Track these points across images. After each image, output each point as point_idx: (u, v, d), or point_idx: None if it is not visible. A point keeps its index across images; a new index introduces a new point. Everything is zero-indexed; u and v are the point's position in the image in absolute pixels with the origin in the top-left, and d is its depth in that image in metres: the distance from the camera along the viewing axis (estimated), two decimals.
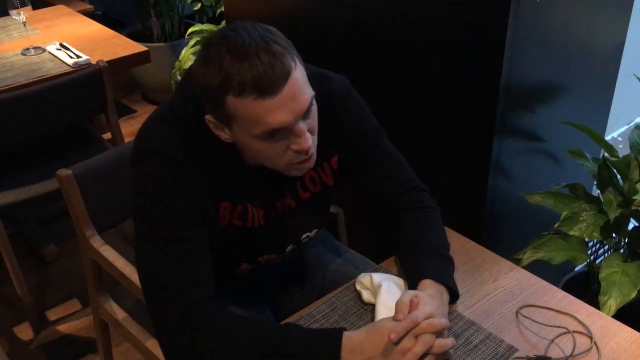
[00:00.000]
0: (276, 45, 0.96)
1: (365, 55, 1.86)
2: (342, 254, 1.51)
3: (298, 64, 0.99)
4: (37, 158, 2.23)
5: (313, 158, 1.09)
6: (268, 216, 1.21)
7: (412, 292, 1.08)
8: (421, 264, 1.16)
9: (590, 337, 1.11)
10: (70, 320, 2.26)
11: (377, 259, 1.36)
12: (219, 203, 1.13)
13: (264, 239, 1.24)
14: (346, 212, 1.66)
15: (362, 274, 1.23)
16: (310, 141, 1.03)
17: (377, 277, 1.20)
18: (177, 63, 2.95)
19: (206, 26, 2.98)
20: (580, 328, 1.13)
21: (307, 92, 1.01)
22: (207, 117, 1.04)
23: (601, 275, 1.53)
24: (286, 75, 0.96)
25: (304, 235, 1.31)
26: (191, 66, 1.06)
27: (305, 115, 1.02)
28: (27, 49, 2.36)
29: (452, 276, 1.18)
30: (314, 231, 1.33)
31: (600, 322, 1.15)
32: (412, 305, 1.04)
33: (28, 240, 2.62)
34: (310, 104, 1.02)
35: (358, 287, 1.22)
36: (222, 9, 3.09)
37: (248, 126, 1.00)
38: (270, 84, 0.95)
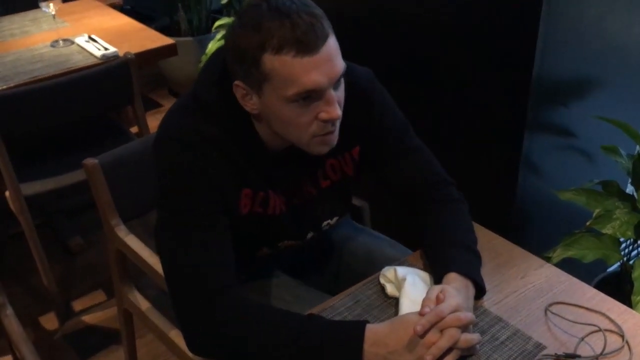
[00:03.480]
0: (316, 9, 0.99)
1: (393, 48, 1.84)
2: (363, 235, 1.49)
3: (332, 33, 1.01)
4: (64, 149, 2.24)
5: (336, 134, 1.08)
6: (289, 203, 1.20)
7: (438, 288, 1.07)
8: (447, 257, 1.14)
9: (622, 336, 1.08)
10: (95, 311, 2.27)
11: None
12: (241, 190, 1.13)
13: (284, 226, 1.23)
14: (371, 205, 1.64)
15: (386, 267, 1.21)
16: (339, 110, 1.03)
17: (401, 270, 1.18)
18: (203, 57, 2.96)
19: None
20: (611, 326, 1.10)
21: (341, 61, 1.02)
22: (237, 82, 1.04)
23: (634, 275, 1.49)
24: (325, 37, 0.98)
25: (325, 223, 1.30)
26: (224, 37, 1.06)
27: (336, 85, 1.03)
28: (56, 41, 2.37)
29: (478, 270, 1.15)
30: (335, 219, 1.32)
31: (633, 320, 1.11)
32: (438, 301, 1.03)
33: (55, 232, 2.65)
34: (342, 75, 1.03)
35: (382, 280, 1.20)
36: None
37: (282, 86, 0.99)
38: (310, 42, 0.96)
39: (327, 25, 0.99)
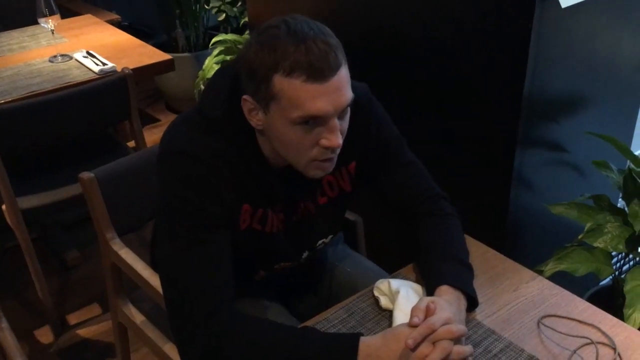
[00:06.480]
0: (332, 39, 1.01)
1: (386, 64, 1.86)
2: (352, 258, 1.50)
3: (345, 63, 1.03)
4: (61, 163, 2.26)
5: (334, 161, 1.10)
6: (287, 221, 1.21)
7: (428, 298, 1.08)
8: (439, 270, 1.15)
9: (614, 349, 1.09)
10: (89, 325, 2.27)
11: (396, 267, 1.35)
12: (241, 206, 1.14)
13: (281, 245, 1.24)
14: (365, 220, 1.65)
15: (380, 280, 1.22)
16: (340, 140, 1.05)
17: (395, 283, 1.19)
18: (200, 72, 2.98)
19: (230, 36, 3.01)
20: (603, 339, 1.11)
21: (349, 92, 1.04)
22: (245, 97, 1.05)
23: (626, 288, 1.50)
24: (337, 67, 1.00)
25: (320, 242, 1.31)
26: (237, 55, 1.08)
27: (342, 114, 1.05)
28: (55, 56, 2.39)
29: (471, 283, 1.16)
30: (329, 237, 1.33)
31: (625, 333, 1.12)
32: (429, 311, 1.03)
33: (51, 245, 2.65)
34: (348, 105, 1.05)
35: (376, 293, 1.21)
36: (246, 19, 3.12)
37: (288, 108, 1.01)
38: (321, 70, 0.98)
39: (340, 55, 1.01)
